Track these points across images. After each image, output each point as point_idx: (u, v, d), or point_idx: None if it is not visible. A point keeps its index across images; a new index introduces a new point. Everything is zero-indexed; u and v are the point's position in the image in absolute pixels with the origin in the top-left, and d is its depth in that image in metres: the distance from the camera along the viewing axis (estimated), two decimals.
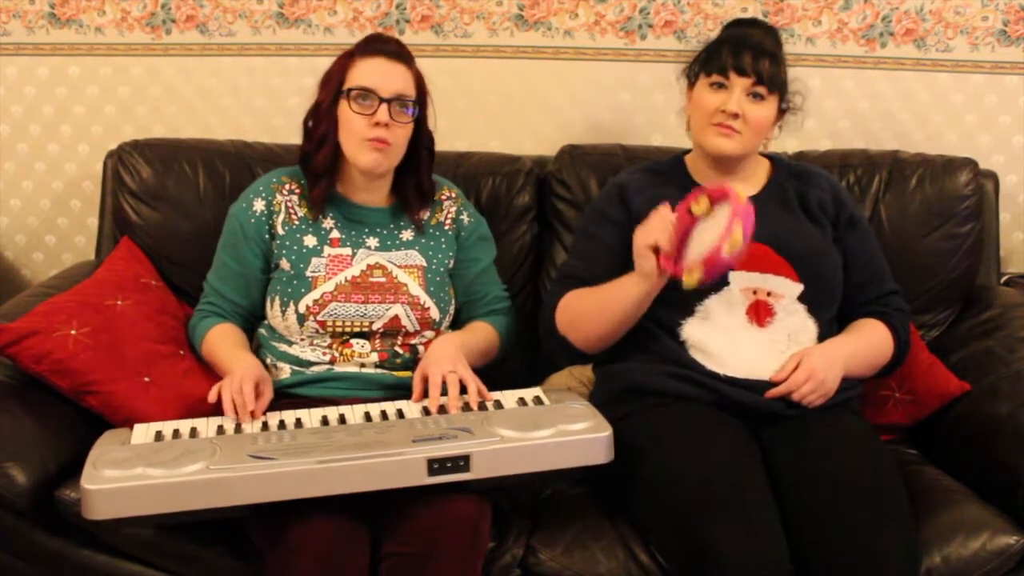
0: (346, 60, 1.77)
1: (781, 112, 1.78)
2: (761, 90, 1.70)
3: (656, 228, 1.56)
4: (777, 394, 1.66)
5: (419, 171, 1.85)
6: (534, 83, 2.39)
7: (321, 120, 1.77)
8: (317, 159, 1.79)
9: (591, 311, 1.71)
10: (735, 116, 1.70)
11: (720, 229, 1.48)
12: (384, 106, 1.71)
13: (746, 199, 1.51)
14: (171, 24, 2.40)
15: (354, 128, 1.73)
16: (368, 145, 1.73)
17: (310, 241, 1.81)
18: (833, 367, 1.67)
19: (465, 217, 1.92)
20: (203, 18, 2.40)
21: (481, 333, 1.85)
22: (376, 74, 1.73)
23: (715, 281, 1.69)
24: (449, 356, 1.68)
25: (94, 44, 2.42)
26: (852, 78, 2.34)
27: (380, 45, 1.76)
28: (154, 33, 2.41)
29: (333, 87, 1.76)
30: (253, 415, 1.61)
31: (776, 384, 1.67)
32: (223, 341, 1.80)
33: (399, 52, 1.76)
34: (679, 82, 1.84)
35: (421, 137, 1.82)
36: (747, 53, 1.70)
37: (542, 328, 1.81)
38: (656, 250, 1.56)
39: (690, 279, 1.51)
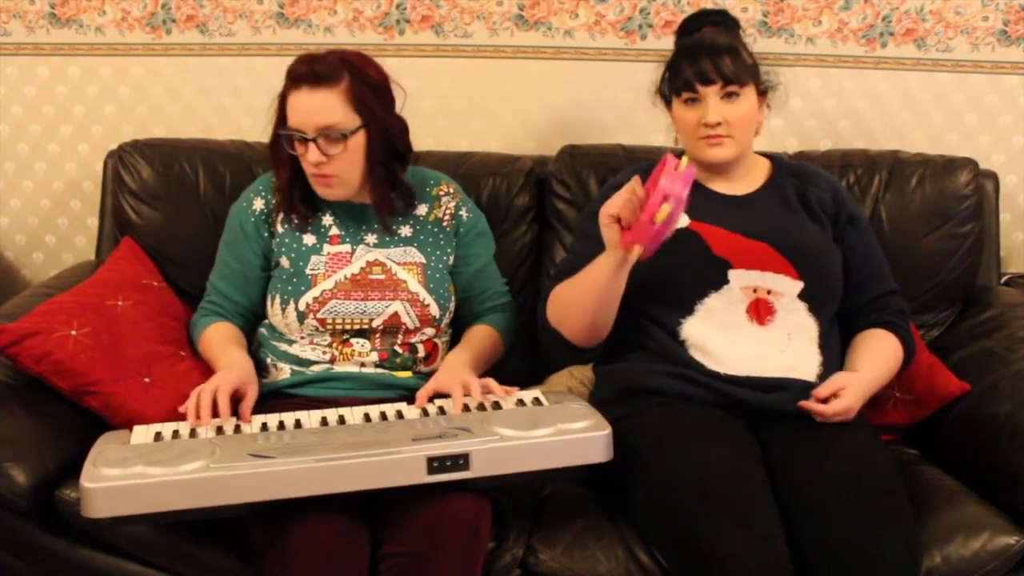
0: (284, 89, 1.71)
1: (762, 94, 1.77)
2: (733, 88, 1.70)
3: (619, 201, 1.54)
4: (809, 408, 1.64)
5: (377, 187, 1.77)
6: (534, 83, 2.39)
7: (271, 145, 1.77)
8: (278, 177, 1.79)
9: (574, 296, 1.70)
10: (717, 124, 1.69)
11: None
12: (312, 145, 1.68)
13: (684, 166, 1.48)
14: (171, 24, 2.40)
15: (302, 164, 1.74)
16: (315, 180, 1.74)
17: (309, 239, 1.81)
18: (864, 398, 1.68)
19: (464, 213, 1.91)
20: (203, 18, 2.40)
21: (482, 340, 1.85)
22: (298, 111, 1.68)
23: (714, 279, 1.70)
24: (457, 372, 1.69)
25: (94, 44, 2.42)
26: (852, 78, 2.33)
27: (300, 70, 1.67)
28: (154, 33, 2.41)
29: (276, 118, 1.74)
30: (241, 418, 1.60)
31: (811, 387, 1.66)
32: (216, 339, 1.79)
33: (319, 75, 1.66)
34: (657, 104, 1.83)
35: (375, 149, 1.73)
36: (704, 59, 1.69)
37: (538, 324, 1.80)
38: (620, 221, 1.55)
39: (635, 250, 1.53)
